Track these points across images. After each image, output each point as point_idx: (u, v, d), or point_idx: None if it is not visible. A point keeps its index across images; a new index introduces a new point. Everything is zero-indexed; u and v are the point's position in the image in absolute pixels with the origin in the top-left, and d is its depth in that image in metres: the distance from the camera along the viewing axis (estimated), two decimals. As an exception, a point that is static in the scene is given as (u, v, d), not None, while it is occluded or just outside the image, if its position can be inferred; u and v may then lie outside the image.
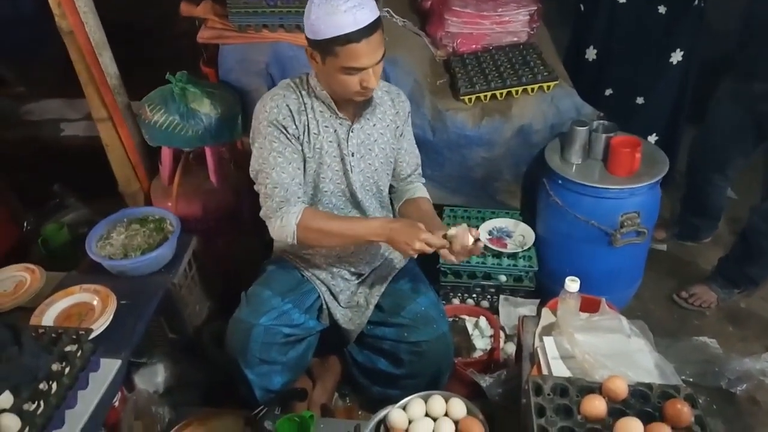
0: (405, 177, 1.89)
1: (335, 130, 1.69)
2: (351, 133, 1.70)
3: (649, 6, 2.46)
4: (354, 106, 1.67)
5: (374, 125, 1.74)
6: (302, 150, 1.67)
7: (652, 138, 2.68)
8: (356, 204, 1.80)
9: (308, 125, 1.66)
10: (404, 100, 1.81)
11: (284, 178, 1.63)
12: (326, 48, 1.49)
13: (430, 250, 1.55)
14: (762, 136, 2.31)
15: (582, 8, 2.71)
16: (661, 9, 2.45)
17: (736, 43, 2.29)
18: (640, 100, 2.65)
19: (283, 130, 1.63)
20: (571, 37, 2.81)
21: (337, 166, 1.72)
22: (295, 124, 1.64)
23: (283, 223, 1.63)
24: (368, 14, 1.47)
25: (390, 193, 1.92)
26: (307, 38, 1.54)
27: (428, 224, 1.61)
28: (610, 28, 2.56)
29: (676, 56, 2.54)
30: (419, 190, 1.90)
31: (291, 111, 1.63)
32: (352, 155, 1.72)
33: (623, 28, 2.53)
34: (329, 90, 1.63)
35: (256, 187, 1.71)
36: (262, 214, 1.69)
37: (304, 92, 1.67)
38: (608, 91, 2.68)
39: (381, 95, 1.75)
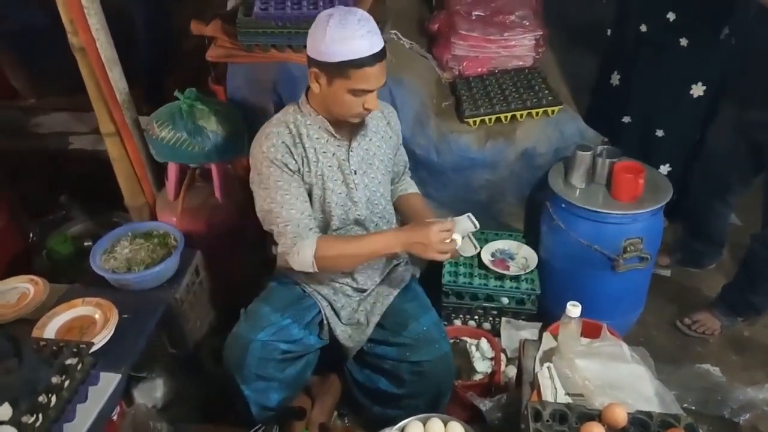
0: (399, 178, 1.99)
1: (334, 153, 1.72)
2: (351, 152, 1.74)
3: (670, 38, 2.42)
4: (349, 126, 1.71)
5: (371, 140, 1.79)
6: (304, 181, 1.71)
7: (665, 168, 2.63)
8: (362, 225, 1.81)
9: (306, 156, 1.69)
10: (392, 110, 1.89)
11: (293, 214, 1.67)
12: (338, 70, 1.54)
13: (448, 245, 1.59)
14: (759, 164, 2.28)
15: (609, 33, 2.71)
16: (683, 42, 2.40)
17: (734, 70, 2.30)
18: (659, 133, 2.60)
19: (284, 168, 1.66)
20: (601, 62, 2.80)
21: (340, 189, 1.74)
22: (294, 158, 1.67)
23: (301, 258, 1.66)
24: (379, 41, 1.57)
25: None
26: (314, 60, 1.57)
27: (421, 216, 1.82)
28: (634, 55, 2.54)
29: (697, 90, 2.48)
30: (410, 185, 2.02)
31: (287, 146, 1.67)
32: (355, 173, 1.75)
33: (644, 57, 2.50)
34: (326, 113, 1.68)
35: (267, 227, 1.73)
36: (280, 251, 1.73)
37: (297, 123, 1.70)
38: (626, 119, 2.64)
39: None
